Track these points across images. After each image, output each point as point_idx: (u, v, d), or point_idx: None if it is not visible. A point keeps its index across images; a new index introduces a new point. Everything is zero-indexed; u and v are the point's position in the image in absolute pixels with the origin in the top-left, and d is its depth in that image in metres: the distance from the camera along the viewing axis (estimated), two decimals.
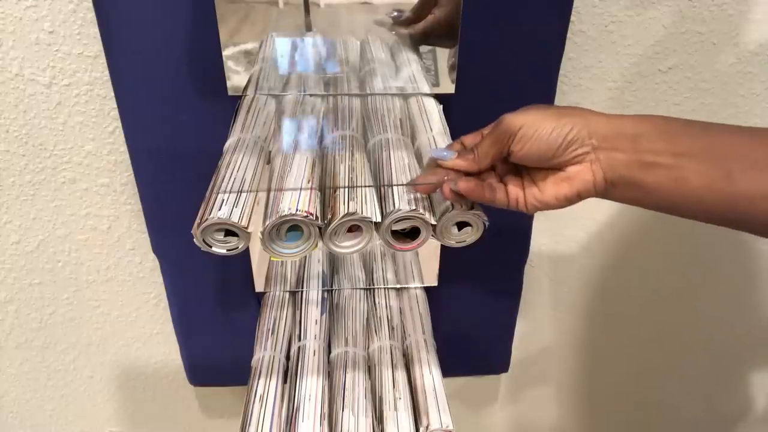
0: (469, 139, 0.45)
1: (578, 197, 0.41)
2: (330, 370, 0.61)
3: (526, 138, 0.40)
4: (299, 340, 0.64)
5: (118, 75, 0.56)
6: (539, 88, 0.61)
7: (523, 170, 0.43)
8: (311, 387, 0.57)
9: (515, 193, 0.43)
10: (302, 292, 0.71)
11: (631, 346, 0.90)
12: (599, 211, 0.76)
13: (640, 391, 0.96)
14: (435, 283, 0.72)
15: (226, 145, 0.49)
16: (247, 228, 0.40)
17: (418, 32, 0.56)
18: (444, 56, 0.57)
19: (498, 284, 0.74)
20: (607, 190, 0.40)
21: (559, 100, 0.65)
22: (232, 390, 0.87)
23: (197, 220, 0.40)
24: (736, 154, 0.36)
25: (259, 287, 0.70)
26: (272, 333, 0.65)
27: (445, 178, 0.42)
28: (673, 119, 0.39)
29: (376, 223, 0.42)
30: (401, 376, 0.61)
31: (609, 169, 0.39)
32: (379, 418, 0.56)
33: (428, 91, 0.57)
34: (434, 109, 0.55)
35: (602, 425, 1.00)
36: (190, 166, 0.60)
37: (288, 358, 0.63)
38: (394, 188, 0.44)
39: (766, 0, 0.62)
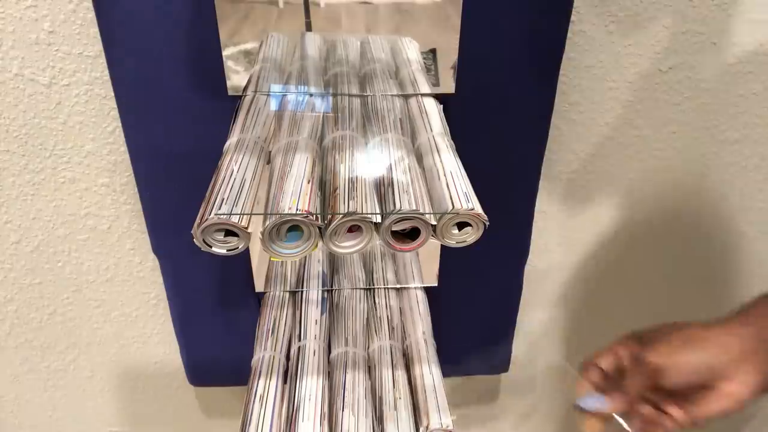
0: (604, 362, 0.48)
1: (741, 406, 0.44)
2: (330, 370, 0.61)
3: (670, 373, 0.44)
4: (299, 340, 0.64)
5: (118, 75, 0.56)
6: (539, 88, 0.61)
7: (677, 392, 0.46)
8: (311, 387, 0.57)
9: (678, 415, 0.45)
10: (302, 292, 0.71)
11: None
12: (600, 211, 0.76)
13: None
14: (435, 283, 0.72)
15: (226, 145, 0.49)
16: (247, 228, 0.40)
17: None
18: (444, 56, 0.57)
19: (498, 284, 0.74)
20: (766, 386, 0.43)
21: (559, 99, 0.65)
22: (232, 390, 0.87)
23: (197, 220, 0.40)
24: None
25: (259, 287, 0.70)
26: (272, 333, 0.65)
27: None
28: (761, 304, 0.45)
29: (376, 224, 0.42)
30: (401, 376, 0.61)
31: (758, 372, 0.43)
32: (379, 418, 0.56)
33: (428, 91, 0.57)
34: (434, 109, 0.55)
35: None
36: (190, 166, 0.60)
37: (288, 358, 0.63)
38: (395, 188, 0.44)
39: (766, 0, 0.62)
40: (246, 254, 0.67)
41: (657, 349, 0.45)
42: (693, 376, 0.44)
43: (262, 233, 0.41)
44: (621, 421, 0.46)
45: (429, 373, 0.61)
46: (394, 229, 0.43)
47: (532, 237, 0.72)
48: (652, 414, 0.46)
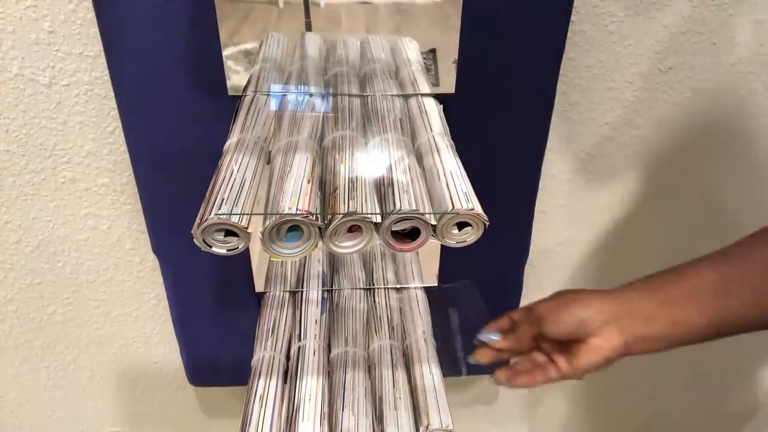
0: (517, 315, 0.59)
1: (607, 361, 0.52)
2: (330, 370, 0.61)
3: (550, 324, 0.54)
4: (299, 340, 0.64)
5: (118, 75, 0.56)
6: (539, 88, 0.61)
7: (564, 345, 0.54)
8: (311, 387, 0.57)
9: (561, 363, 0.54)
10: (302, 292, 0.71)
11: None
12: (599, 211, 0.76)
13: (642, 391, 0.96)
14: (435, 283, 0.72)
15: (226, 145, 0.49)
16: (247, 228, 0.40)
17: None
18: (444, 56, 0.57)
19: (498, 284, 0.74)
20: (627, 348, 0.51)
21: (559, 100, 0.65)
22: (232, 390, 0.87)
23: (197, 220, 0.40)
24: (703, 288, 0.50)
25: (259, 287, 0.70)
26: (272, 333, 0.65)
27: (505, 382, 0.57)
28: (652, 277, 0.52)
29: (376, 224, 0.42)
30: (401, 375, 0.61)
31: (621, 333, 0.51)
32: (379, 418, 0.56)
33: (428, 91, 0.57)
34: (434, 109, 0.55)
35: (605, 425, 1.00)
36: (190, 166, 0.60)
37: (288, 358, 0.63)
38: (395, 188, 0.44)
39: (766, 0, 0.62)
40: (246, 254, 0.67)
41: (544, 303, 0.56)
42: (570, 327, 0.52)
43: (262, 233, 0.41)
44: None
45: (429, 373, 0.61)
46: (394, 229, 0.43)
47: (532, 237, 0.72)
48: (542, 360, 0.56)
